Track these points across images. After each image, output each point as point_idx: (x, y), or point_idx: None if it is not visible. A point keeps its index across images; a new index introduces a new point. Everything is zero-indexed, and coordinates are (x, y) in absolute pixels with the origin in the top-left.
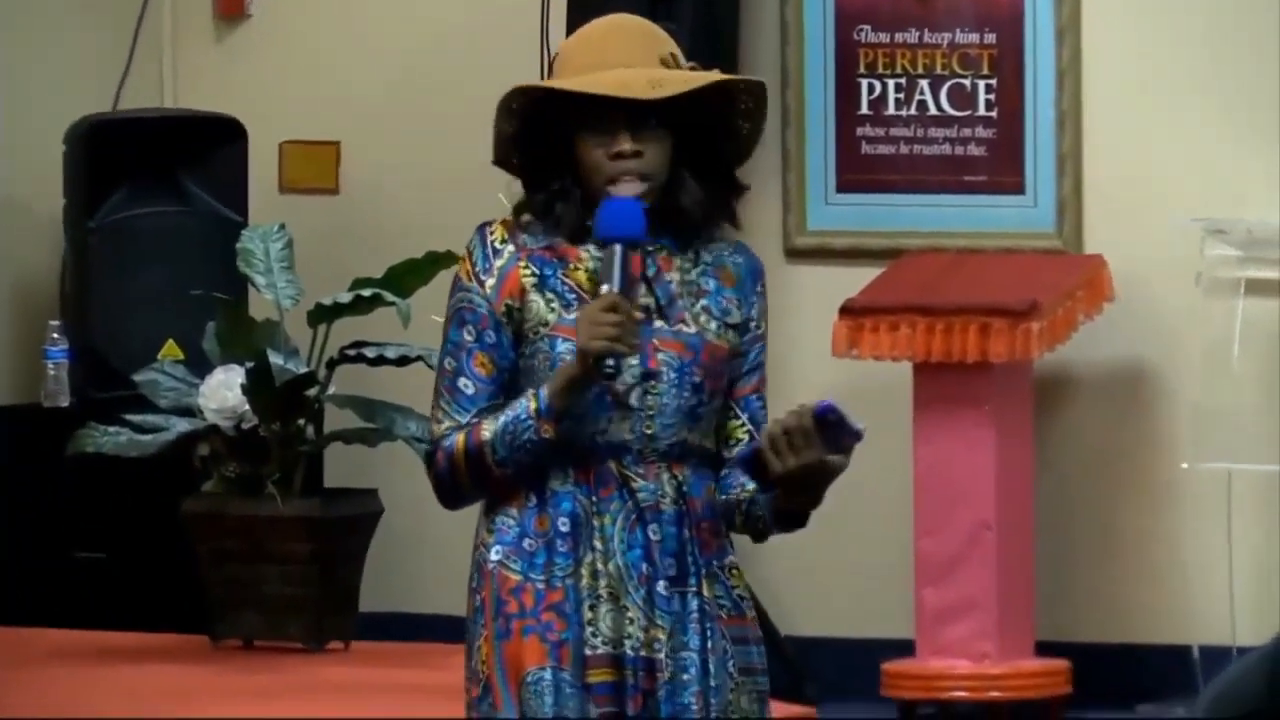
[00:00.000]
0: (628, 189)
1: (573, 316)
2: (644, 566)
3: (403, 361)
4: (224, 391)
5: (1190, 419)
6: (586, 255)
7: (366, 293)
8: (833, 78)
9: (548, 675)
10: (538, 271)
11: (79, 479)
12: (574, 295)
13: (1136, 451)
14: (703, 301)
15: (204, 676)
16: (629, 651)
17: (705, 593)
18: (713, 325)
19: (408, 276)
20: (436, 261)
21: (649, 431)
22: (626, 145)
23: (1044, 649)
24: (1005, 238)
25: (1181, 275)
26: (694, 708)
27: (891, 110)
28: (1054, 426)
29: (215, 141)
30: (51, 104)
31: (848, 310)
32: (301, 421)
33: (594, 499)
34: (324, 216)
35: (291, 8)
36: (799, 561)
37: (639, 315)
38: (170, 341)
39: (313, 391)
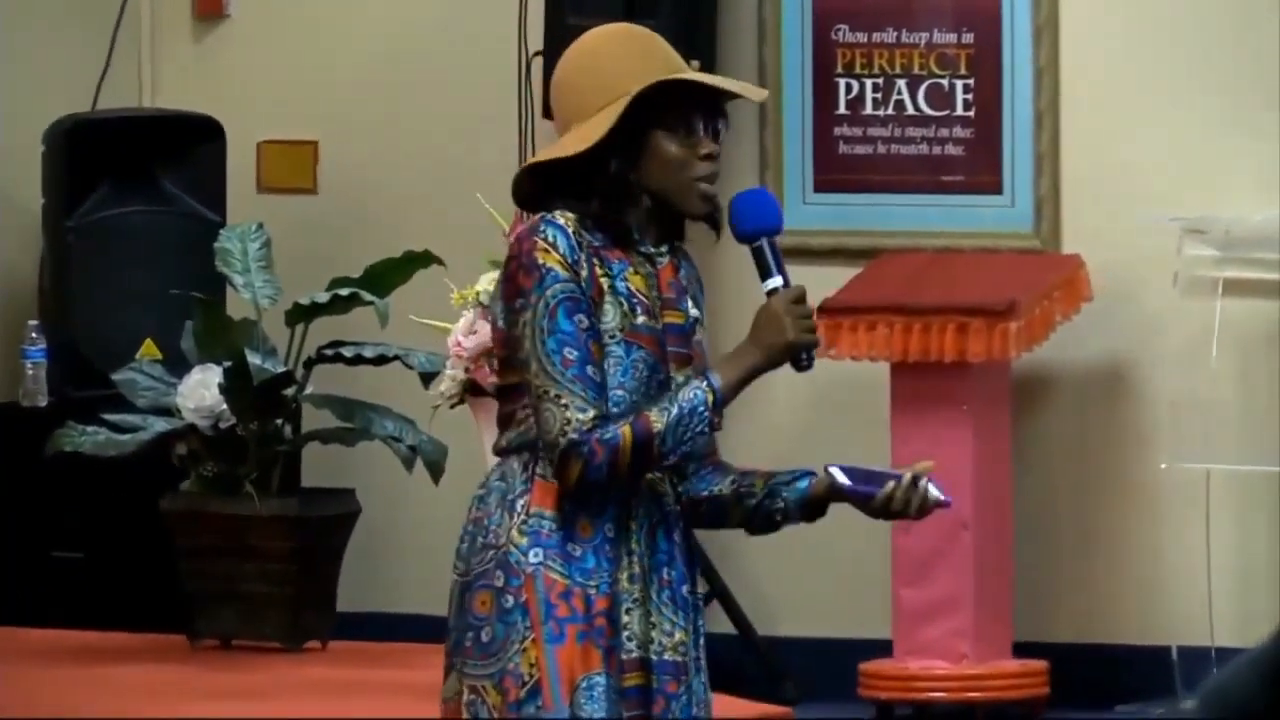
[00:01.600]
0: (710, 188)
1: (641, 323)
2: (666, 571)
3: (380, 361)
4: (202, 391)
5: (1168, 419)
6: (635, 260)
7: (344, 292)
8: (810, 77)
9: (602, 680)
10: (610, 273)
11: (57, 478)
12: (636, 301)
13: (1115, 451)
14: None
15: (182, 675)
16: (653, 656)
17: (690, 591)
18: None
19: (386, 276)
20: (414, 261)
21: None
22: (715, 147)
23: (1022, 650)
24: (983, 237)
25: (1159, 275)
26: (707, 705)
27: (869, 110)
28: (1032, 426)
29: (193, 141)
30: (30, 104)
31: (825, 310)
32: (279, 421)
33: (629, 505)
34: (302, 216)
35: (269, 8)
36: (776, 561)
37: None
38: (148, 341)
39: (290, 391)
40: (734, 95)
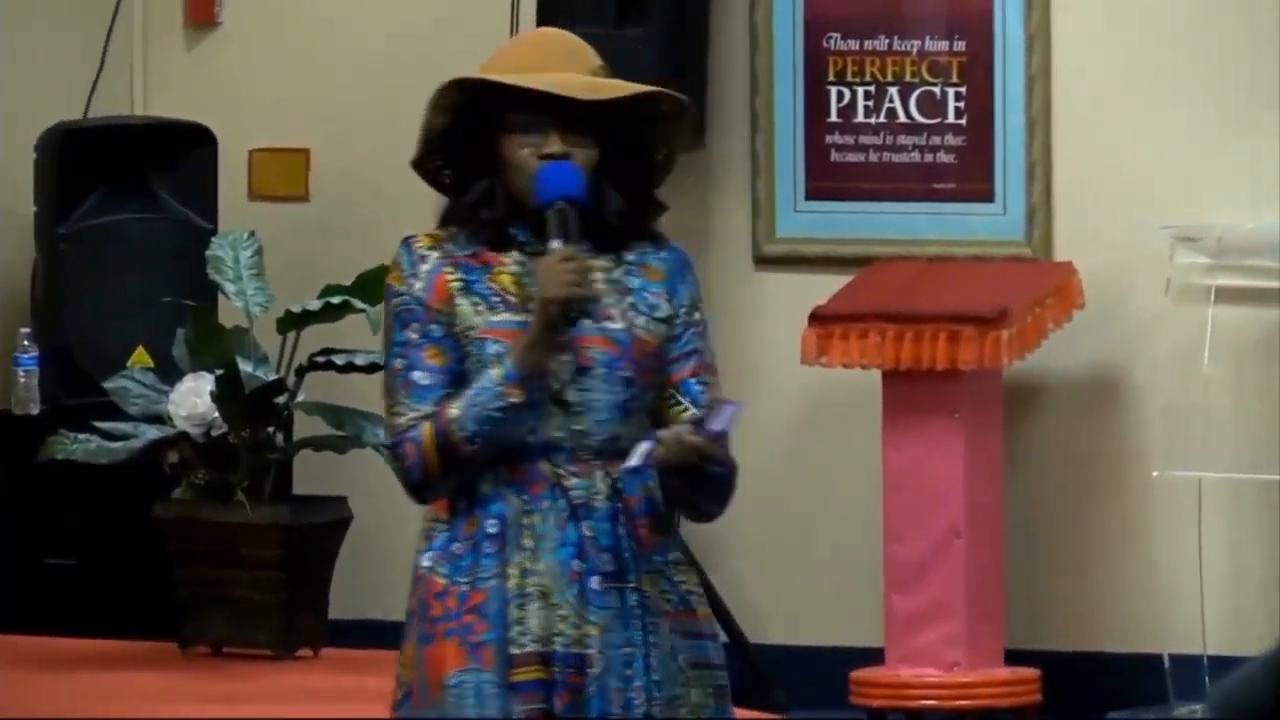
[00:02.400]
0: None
1: (498, 319)
2: (575, 564)
3: (372, 369)
4: (194, 398)
5: (1160, 427)
6: (510, 260)
7: (336, 300)
8: (802, 85)
9: (469, 678)
10: (463, 277)
11: (50, 486)
12: (499, 299)
13: (1107, 459)
14: (629, 299)
15: (173, 682)
16: (558, 648)
17: (647, 589)
18: (640, 320)
19: (377, 284)
20: None
21: (580, 428)
22: (557, 147)
23: (1014, 657)
24: (975, 245)
25: (1151, 282)
26: (636, 702)
27: (861, 118)
28: (1024, 434)
29: (185, 149)
30: (23, 111)
31: (817, 318)
32: (271, 429)
33: (525, 498)
34: (294, 223)
35: (261, 16)
36: (768, 568)
37: (596, 269)
38: (140, 348)
39: (282, 398)
40: (548, 100)
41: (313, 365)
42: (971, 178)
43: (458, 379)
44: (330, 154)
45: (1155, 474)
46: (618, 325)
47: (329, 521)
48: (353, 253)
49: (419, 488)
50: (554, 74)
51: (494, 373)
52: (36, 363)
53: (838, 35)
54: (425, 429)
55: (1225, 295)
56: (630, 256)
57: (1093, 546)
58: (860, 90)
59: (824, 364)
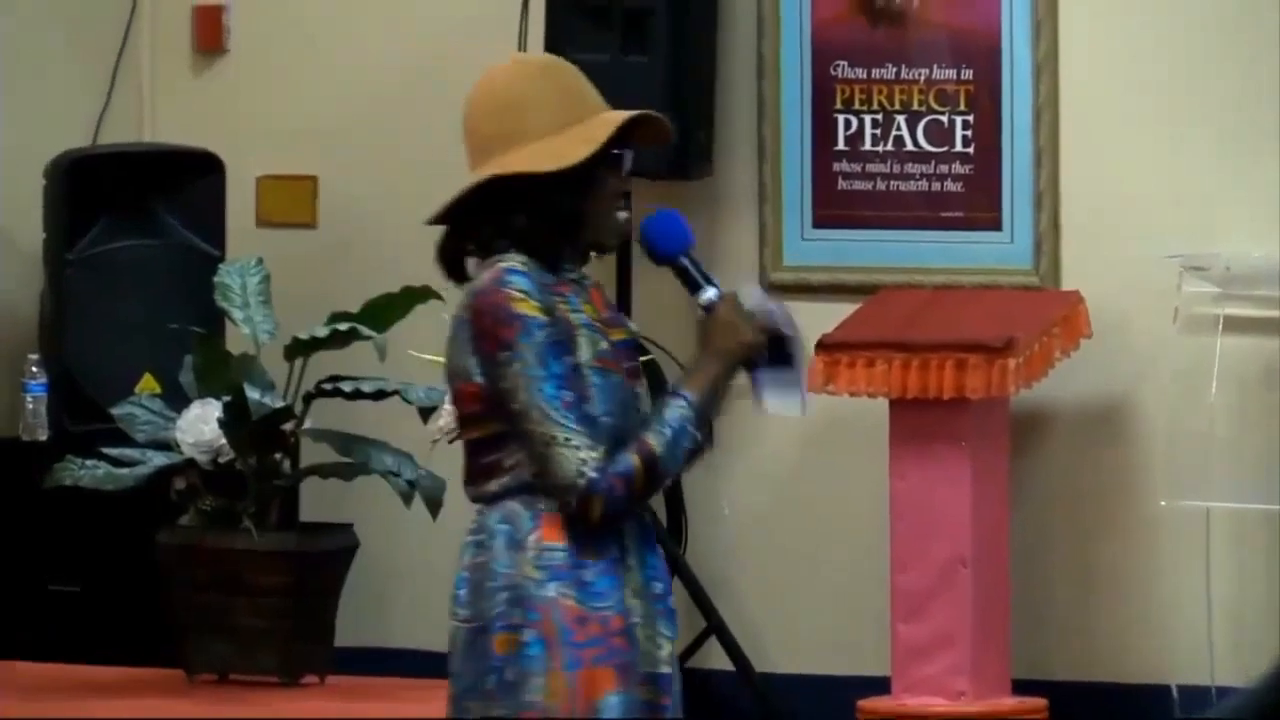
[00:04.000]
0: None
1: (604, 348)
2: (656, 586)
3: (379, 396)
4: (201, 425)
5: (1167, 456)
6: (575, 286)
7: (343, 327)
8: (809, 113)
9: (617, 698)
10: (571, 307)
11: (56, 512)
12: (594, 328)
13: (1113, 489)
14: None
15: (178, 709)
16: (652, 669)
17: (673, 604)
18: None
19: (385, 311)
20: (413, 296)
21: None
22: (629, 185)
23: (1020, 687)
24: (982, 273)
25: (1159, 312)
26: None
27: (868, 146)
28: (1030, 463)
29: (193, 176)
30: (31, 138)
31: (824, 345)
32: (278, 455)
33: (623, 526)
34: (301, 250)
35: (269, 43)
36: (774, 597)
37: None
38: (147, 375)
39: (289, 425)
40: (664, 137)
41: (320, 392)
42: (979, 206)
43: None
44: (338, 181)
45: (1162, 504)
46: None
47: (335, 549)
48: (360, 280)
49: (616, 520)
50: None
51: (686, 413)
52: (44, 389)
53: (845, 63)
54: (635, 462)
55: (1233, 325)
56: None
57: (1099, 576)
58: (868, 118)
59: (831, 392)
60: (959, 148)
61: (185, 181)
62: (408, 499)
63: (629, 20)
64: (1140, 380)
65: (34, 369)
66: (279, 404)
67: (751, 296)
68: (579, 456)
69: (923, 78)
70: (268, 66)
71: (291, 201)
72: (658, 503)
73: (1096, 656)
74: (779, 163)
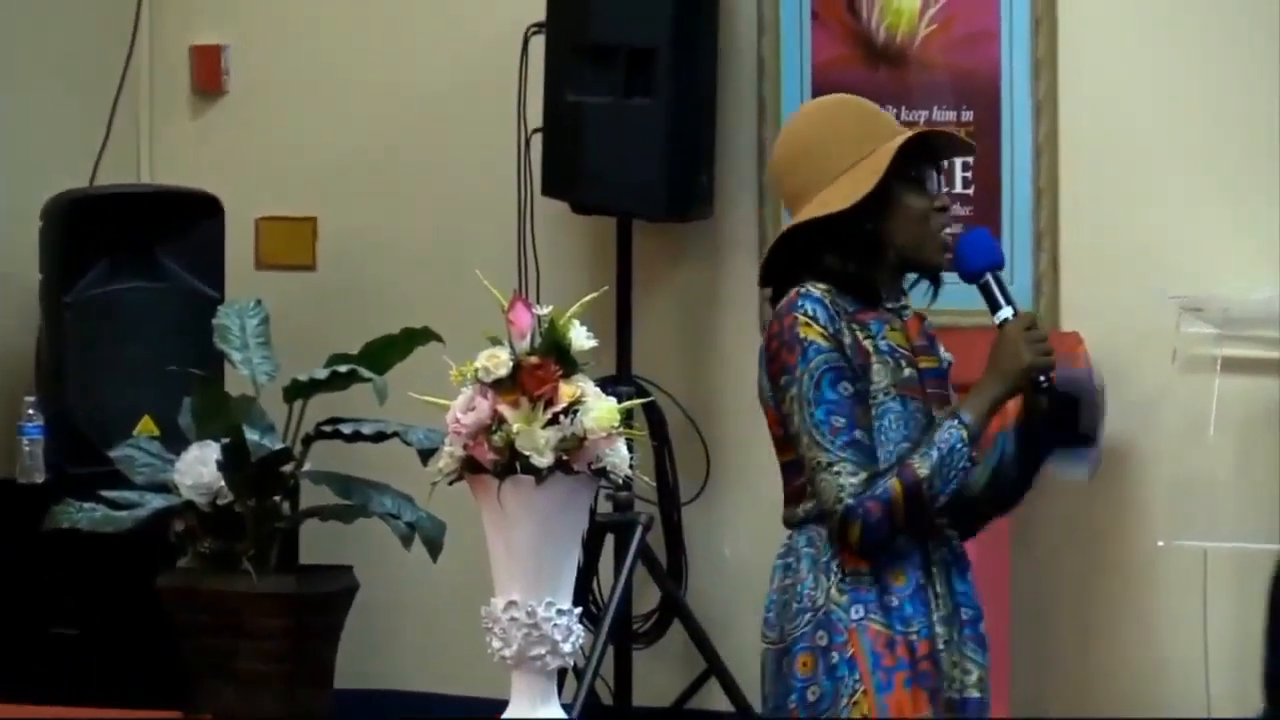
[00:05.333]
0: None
1: (907, 375)
2: (964, 611)
3: (379, 438)
4: (199, 467)
5: (1166, 496)
6: (888, 314)
7: (343, 369)
8: None
9: None
10: (872, 334)
11: (54, 555)
12: (900, 355)
13: (1112, 529)
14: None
15: None
16: (955, 695)
17: (983, 629)
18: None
19: (384, 353)
20: (413, 338)
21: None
22: (946, 198)
23: None
24: (983, 314)
25: (1158, 352)
26: None
27: None
28: (1030, 504)
29: (192, 217)
30: (29, 178)
31: None
32: (277, 498)
33: (927, 550)
34: (300, 292)
35: (268, 84)
36: None
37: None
38: (146, 417)
39: (288, 468)
40: (962, 149)
41: (319, 434)
42: None
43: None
44: (337, 222)
45: (1160, 544)
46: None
47: (335, 591)
48: (360, 321)
49: (878, 545)
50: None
51: (959, 433)
52: (41, 431)
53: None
54: (894, 486)
55: (1232, 365)
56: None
57: (1098, 616)
58: None
59: None
60: (959, 188)
61: (184, 223)
62: (408, 541)
63: (631, 62)
64: (1138, 420)
65: (30, 411)
66: (278, 446)
67: (1079, 360)
68: (839, 482)
69: (923, 119)
70: (267, 107)
71: (291, 243)
72: (658, 542)
73: (1095, 698)
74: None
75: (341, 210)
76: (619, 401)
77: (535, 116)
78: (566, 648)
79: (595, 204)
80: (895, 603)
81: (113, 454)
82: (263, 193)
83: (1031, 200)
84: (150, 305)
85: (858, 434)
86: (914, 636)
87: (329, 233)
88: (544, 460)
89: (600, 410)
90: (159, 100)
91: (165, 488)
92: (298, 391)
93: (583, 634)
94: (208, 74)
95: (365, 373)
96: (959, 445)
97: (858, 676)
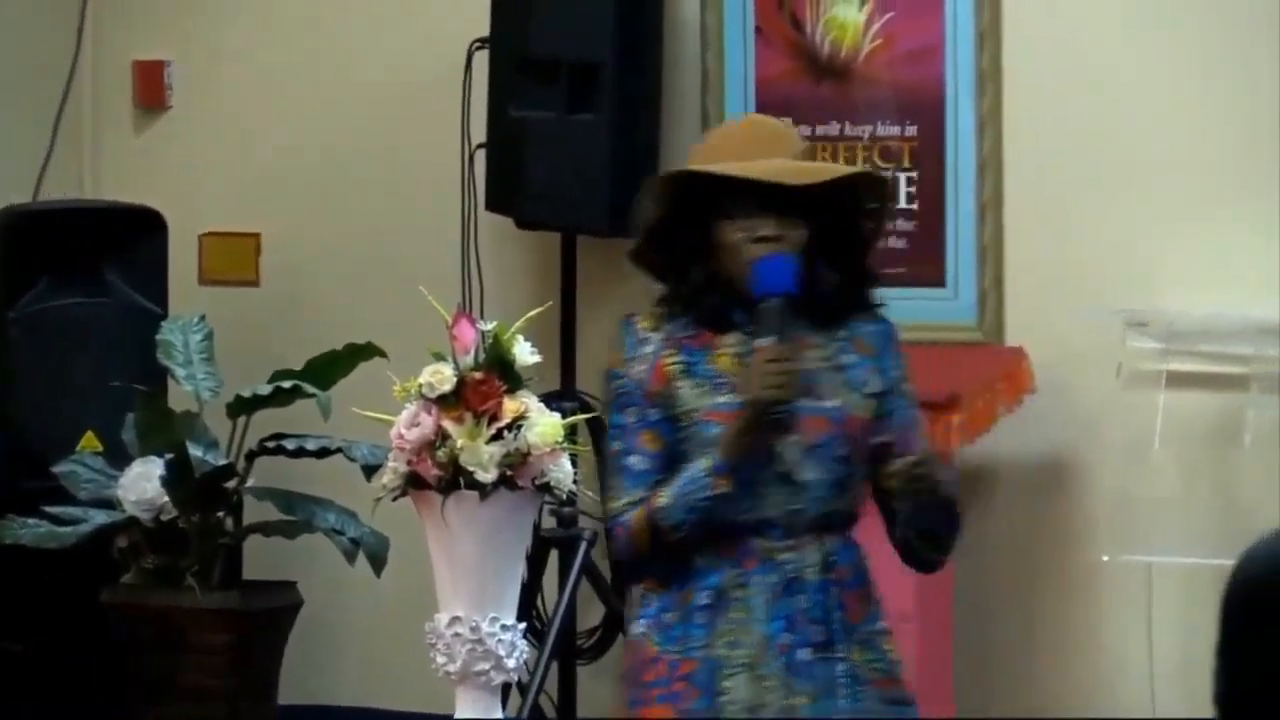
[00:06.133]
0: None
1: (722, 400)
2: (784, 636)
3: (322, 454)
4: (143, 483)
5: (1111, 511)
6: (731, 340)
7: (286, 384)
8: None
9: None
10: (685, 359)
11: None
12: (721, 381)
13: (1057, 543)
14: (843, 376)
15: None
16: (764, 716)
17: (855, 658)
18: (854, 397)
19: (328, 368)
20: (356, 353)
21: (797, 506)
22: (771, 230)
23: None
24: (926, 330)
25: (1102, 367)
26: None
27: None
28: (974, 518)
29: (136, 233)
30: None
31: None
32: (220, 513)
33: (738, 571)
34: (244, 308)
35: (211, 99)
36: None
37: (813, 365)
38: (90, 433)
39: (232, 483)
40: (759, 187)
41: (263, 450)
42: (923, 262)
43: (673, 461)
44: (281, 238)
45: (1105, 558)
46: (833, 404)
47: (279, 607)
48: (303, 337)
49: (629, 570)
50: (764, 160)
51: (703, 463)
52: None
53: (789, 120)
54: (637, 515)
55: (1176, 380)
56: (843, 332)
57: (1043, 631)
58: None
59: None
60: (903, 204)
61: (128, 238)
62: (351, 557)
63: (574, 77)
64: (1083, 436)
65: None
66: (222, 462)
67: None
68: (607, 505)
69: (867, 134)
70: (210, 123)
71: (234, 258)
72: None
73: (1040, 711)
74: None
75: (285, 226)
76: (563, 417)
77: (479, 132)
78: (510, 663)
79: (539, 219)
80: (670, 620)
81: (56, 469)
82: (206, 208)
83: (975, 215)
84: (94, 320)
85: (631, 459)
86: (676, 656)
87: (272, 248)
88: (488, 476)
89: (544, 426)
90: (102, 115)
91: (109, 503)
92: (241, 407)
93: (527, 649)
94: (151, 89)
95: (309, 388)
96: (699, 475)
97: (625, 690)
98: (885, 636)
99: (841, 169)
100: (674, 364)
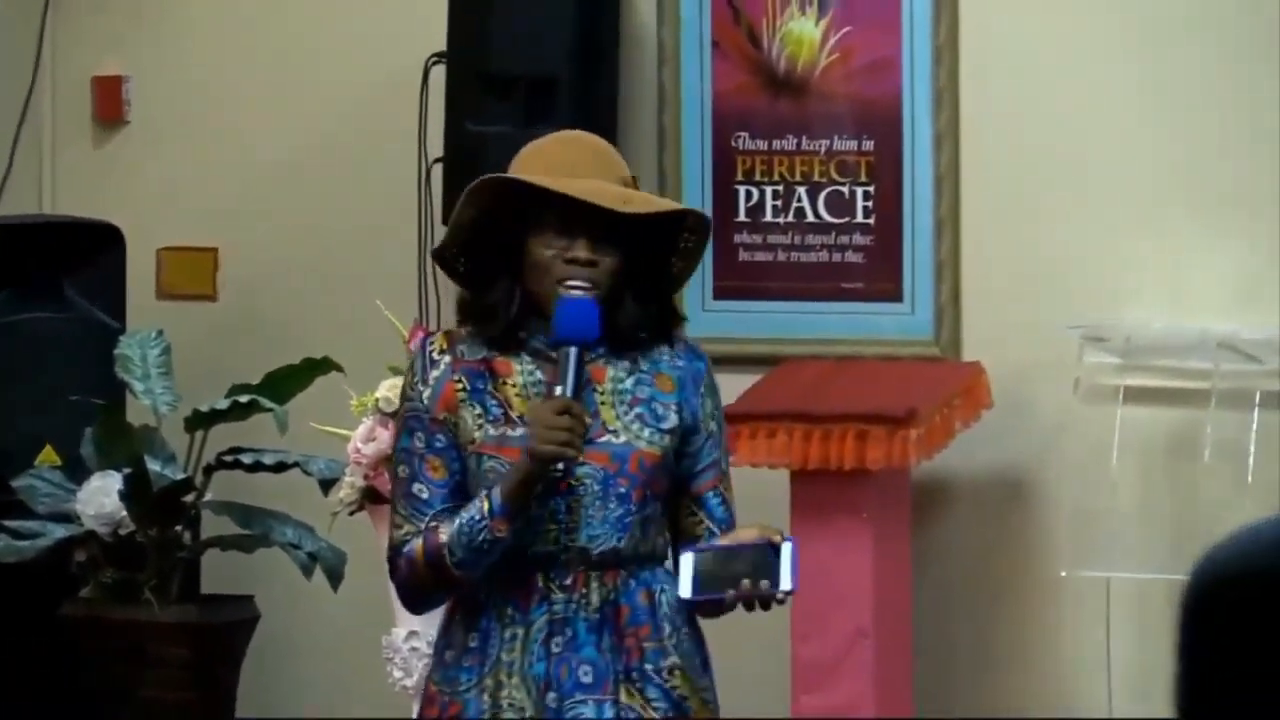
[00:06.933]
0: (576, 292)
1: (498, 434)
2: (555, 677)
3: (280, 468)
4: (101, 498)
5: (1068, 526)
6: (518, 369)
7: (244, 399)
8: (710, 185)
9: None
10: (469, 386)
11: None
12: (500, 411)
13: (1015, 559)
14: (636, 409)
15: None
16: None
17: (623, 699)
18: (645, 433)
19: (285, 383)
20: (314, 368)
21: (575, 544)
22: (583, 253)
23: None
24: (883, 345)
25: (1060, 382)
26: None
27: (769, 217)
28: (932, 534)
29: (94, 247)
30: None
31: (725, 417)
32: (179, 528)
33: (512, 610)
34: (202, 322)
35: (169, 114)
36: None
37: (588, 421)
38: (48, 447)
39: (190, 498)
40: (582, 206)
41: (220, 464)
42: (880, 277)
43: (459, 490)
44: (238, 253)
45: (1063, 574)
46: (618, 440)
47: (236, 621)
48: (260, 352)
49: (410, 602)
50: (588, 180)
51: (482, 505)
52: None
53: (746, 135)
54: (417, 548)
55: (1134, 395)
56: (644, 365)
57: (1001, 647)
58: (769, 189)
59: (732, 463)
60: (860, 218)
61: (85, 253)
62: (308, 571)
63: (532, 92)
64: (1041, 451)
65: None
66: (180, 476)
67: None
68: (391, 535)
69: (824, 148)
70: (168, 138)
71: (192, 273)
72: None
73: None
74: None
75: (242, 241)
76: None
77: (436, 147)
78: None
79: None
80: (449, 660)
81: (15, 483)
82: (164, 223)
83: (933, 230)
84: (52, 335)
85: (415, 487)
86: (447, 697)
87: (230, 263)
88: None
89: None
90: (60, 130)
91: (67, 517)
92: (199, 421)
93: None
94: (109, 104)
95: (266, 403)
96: (477, 517)
97: None
98: (674, 673)
99: (670, 204)
100: (459, 390)
